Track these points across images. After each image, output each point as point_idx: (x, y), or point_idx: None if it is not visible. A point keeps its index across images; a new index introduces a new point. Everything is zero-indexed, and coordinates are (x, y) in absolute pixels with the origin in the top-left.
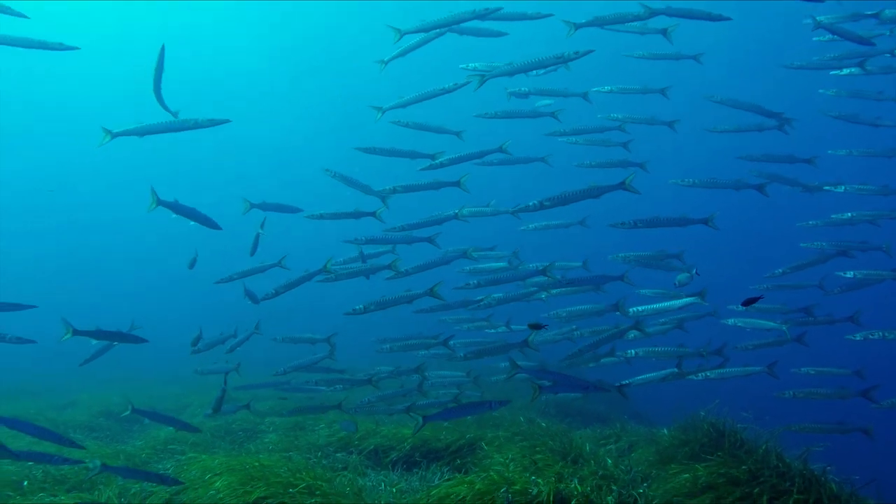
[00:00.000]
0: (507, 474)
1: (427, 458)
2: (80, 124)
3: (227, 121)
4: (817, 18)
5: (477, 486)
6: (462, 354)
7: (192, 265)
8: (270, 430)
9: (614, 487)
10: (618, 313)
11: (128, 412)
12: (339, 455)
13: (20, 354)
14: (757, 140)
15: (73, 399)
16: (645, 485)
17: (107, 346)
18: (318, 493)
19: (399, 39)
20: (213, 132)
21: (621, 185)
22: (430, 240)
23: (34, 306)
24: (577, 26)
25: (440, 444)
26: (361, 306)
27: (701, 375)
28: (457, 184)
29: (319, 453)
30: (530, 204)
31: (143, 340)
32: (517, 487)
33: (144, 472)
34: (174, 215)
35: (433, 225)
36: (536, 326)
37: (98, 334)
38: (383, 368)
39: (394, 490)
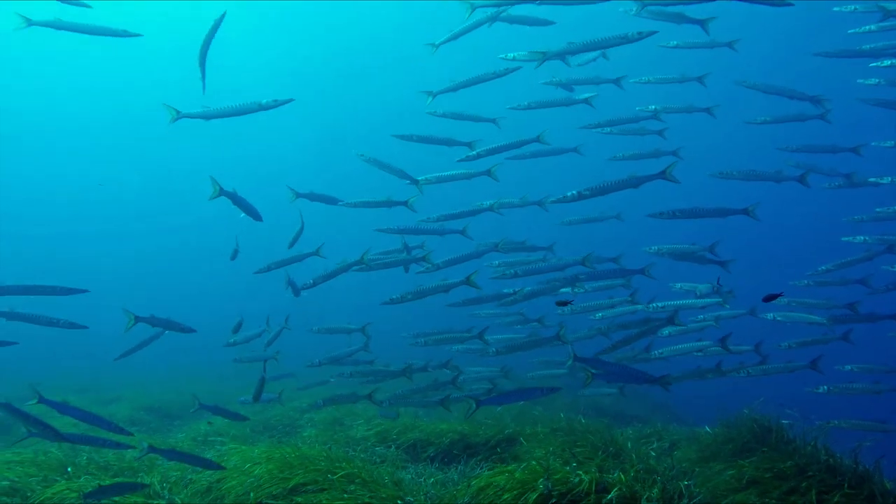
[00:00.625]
0: (547, 465)
1: (466, 453)
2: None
3: (291, 100)
4: (889, 7)
5: (517, 476)
6: (493, 350)
7: (233, 257)
8: (309, 426)
9: (658, 479)
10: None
11: (195, 408)
12: (377, 449)
13: (66, 352)
14: (796, 130)
15: (117, 395)
16: (689, 481)
17: (146, 340)
18: (357, 480)
19: (470, 14)
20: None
21: (662, 175)
22: (462, 232)
23: (86, 290)
24: (644, 5)
25: (479, 439)
26: (398, 295)
27: (743, 372)
28: (487, 173)
29: (358, 447)
30: (568, 194)
31: (191, 330)
32: (558, 477)
33: (188, 454)
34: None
35: (467, 216)
36: (563, 303)
37: (153, 321)
38: (415, 363)
39: (432, 481)
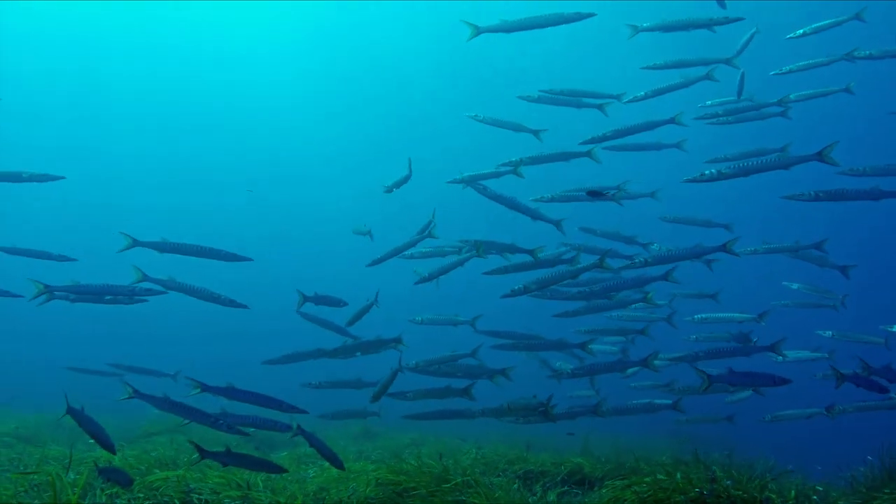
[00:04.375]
0: (690, 478)
1: (582, 486)
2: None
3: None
4: None
5: (663, 484)
6: (570, 369)
7: (360, 232)
8: (413, 459)
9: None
10: None
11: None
12: (485, 479)
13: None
14: None
15: None
16: None
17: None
18: (472, 489)
19: None
20: None
21: (818, 157)
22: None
23: (250, 259)
24: None
25: (597, 472)
26: (521, 286)
27: None
28: (588, 154)
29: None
30: (706, 173)
31: (344, 303)
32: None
33: (324, 444)
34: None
35: (568, 201)
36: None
37: (317, 299)
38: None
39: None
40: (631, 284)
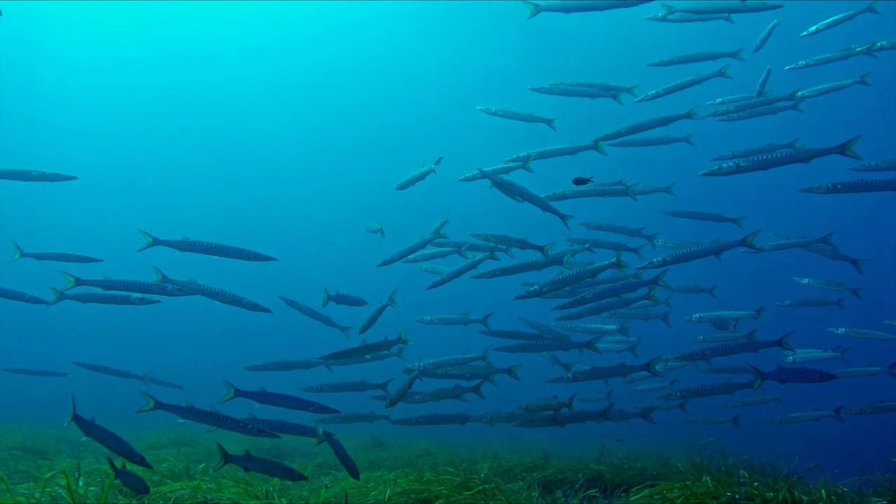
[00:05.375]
0: (720, 482)
1: (604, 493)
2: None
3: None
4: None
5: (695, 489)
6: (571, 374)
7: (372, 230)
8: (429, 469)
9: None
10: None
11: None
12: (503, 486)
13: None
14: None
15: None
16: None
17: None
18: (493, 497)
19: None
20: None
21: (840, 149)
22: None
23: (274, 259)
24: None
25: (620, 478)
26: (536, 287)
27: None
28: (594, 147)
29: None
30: (724, 166)
31: (364, 302)
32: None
33: (347, 454)
34: None
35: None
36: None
37: (338, 298)
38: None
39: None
40: (625, 289)
